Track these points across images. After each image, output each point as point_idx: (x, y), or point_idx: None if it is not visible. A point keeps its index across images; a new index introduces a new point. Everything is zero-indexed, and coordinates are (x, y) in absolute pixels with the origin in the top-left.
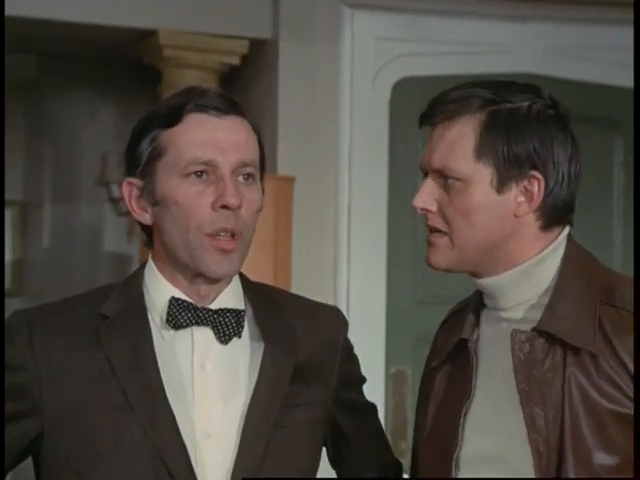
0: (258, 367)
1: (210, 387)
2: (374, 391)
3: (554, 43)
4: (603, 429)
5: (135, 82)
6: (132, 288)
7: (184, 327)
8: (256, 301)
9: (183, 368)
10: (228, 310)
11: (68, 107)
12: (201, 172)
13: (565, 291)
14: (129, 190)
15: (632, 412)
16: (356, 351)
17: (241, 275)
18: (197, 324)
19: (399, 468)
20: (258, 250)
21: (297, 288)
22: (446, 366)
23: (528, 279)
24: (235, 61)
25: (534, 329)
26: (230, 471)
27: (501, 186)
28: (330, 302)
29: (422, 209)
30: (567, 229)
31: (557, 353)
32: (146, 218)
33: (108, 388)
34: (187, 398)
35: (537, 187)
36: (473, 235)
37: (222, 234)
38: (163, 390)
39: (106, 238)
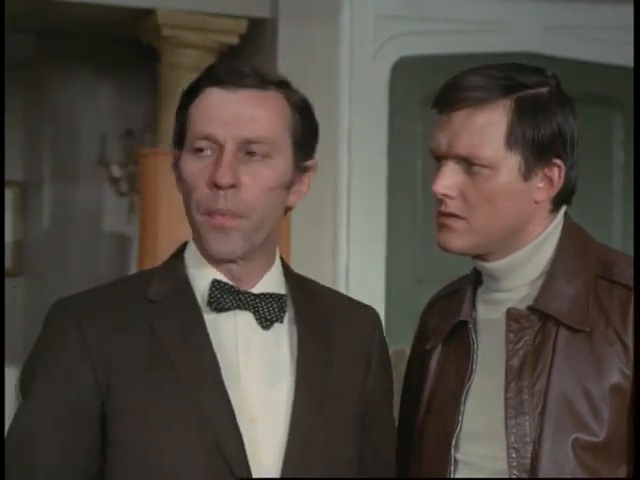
0: (297, 352)
1: (255, 372)
2: None
3: (554, 22)
4: (591, 405)
5: (134, 62)
6: (175, 271)
7: (226, 310)
8: (295, 288)
9: (229, 352)
10: (270, 295)
11: (67, 87)
12: (204, 148)
13: (561, 268)
14: (173, 161)
15: (626, 384)
16: None
17: (282, 261)
18: (239, 308)
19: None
20: None
21: (296, 268)
22: (442, 348)
23: (531, 259)
24: (234, 40)
25: (529, 307)
26: (281, 456)
27: (528, 172)
28: (329, 282)
29: (443, 194)
30: (564, 207)
31: (550, 330)
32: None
33: (161, 373)
34: (234, 382)
35: (557, 174)
36: (495, 221)
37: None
38: (220, 374)
39: (106, 218)
